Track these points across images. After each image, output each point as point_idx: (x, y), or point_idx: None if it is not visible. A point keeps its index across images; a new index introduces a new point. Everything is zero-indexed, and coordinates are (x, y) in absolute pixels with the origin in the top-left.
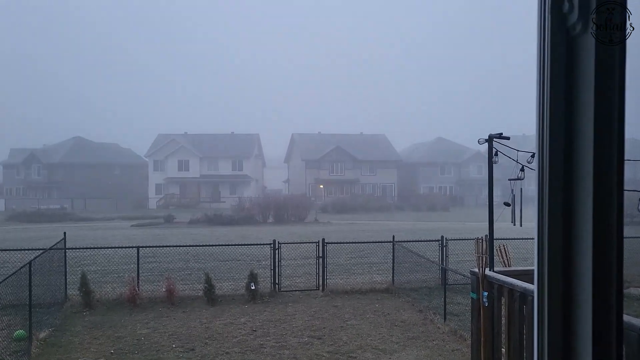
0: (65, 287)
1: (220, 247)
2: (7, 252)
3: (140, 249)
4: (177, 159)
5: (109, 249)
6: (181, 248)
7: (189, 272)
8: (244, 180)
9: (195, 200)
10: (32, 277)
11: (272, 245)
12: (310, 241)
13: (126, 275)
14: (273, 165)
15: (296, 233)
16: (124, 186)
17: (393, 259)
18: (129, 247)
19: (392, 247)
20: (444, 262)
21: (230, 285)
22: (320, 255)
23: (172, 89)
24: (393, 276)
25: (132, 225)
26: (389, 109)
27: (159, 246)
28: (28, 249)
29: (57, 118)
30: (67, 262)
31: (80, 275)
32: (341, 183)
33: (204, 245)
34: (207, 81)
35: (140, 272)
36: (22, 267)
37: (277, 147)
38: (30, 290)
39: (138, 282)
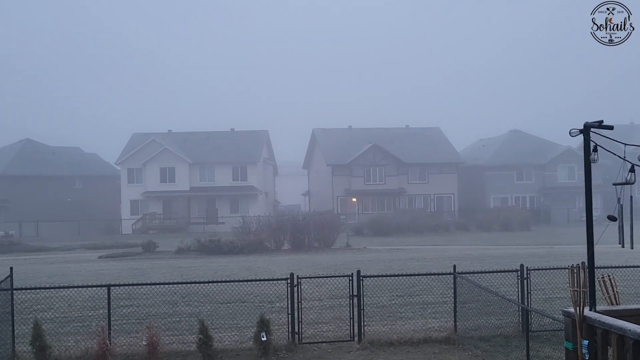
0: (13, 341)
1: (219, 284)
2: None
3: (112, 288)
4: (159, 167)
5: (71, 289)
6: (166, 286)
7: (178, 319)
8: (250, 193)
9: (184, 222)
10: None
11: (289, 281)
12: (341, 274)
13: (94, 324)
14: (288, 172)
15: (321, 264)
16: (88, 204)
17: (455, 297)
18: (97, 286)
19: (453, 280)
20: (526, 301)
21: (234, 335)
22: (355, 293)
23: (151, 76)
24: (455, 321)
25: (100, 257)
26: (443, 93)
27: (137, 284)
28: None
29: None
30: (14, 308)
31: (32, 325)
32: (381, 195)
33: (196, 282)
34: (197, 66)
35: (112, 319)
36: None
37: (293, 148)
38: None
39: (110, 333)
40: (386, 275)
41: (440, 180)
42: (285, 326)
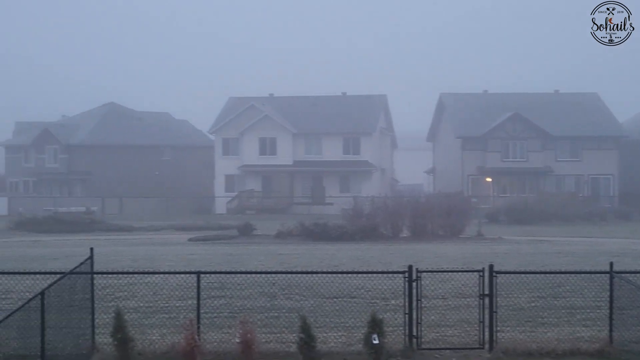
0: (93, 332)
1: (324, 275)
2: (11, 276)
3: (203, 275)
4: (259, 137)
5: (156, 275)
6: (264, 276)
7: (276, 314)
8: (363, 169)
9: (286, 201)
10: (46, 314)
11: (406, 275)
12: (470, 269)
13: (181, 316)
14: (409, 145)
15: (447, 255)
16: (178, 178)
17: (611, 301)
18: (185, 273)
19: (609, 280)
20: None
21: (340, 336)
22: (487, 292)
23: (250, 33)
24: (611, 330)
25: (190, 240)
26: (603, 50)
27: (231, 272)
28: (39, 273)
29: (80, 75)
30: (94, 294)
31: (114, 314)
32: (522, 174)
33: (299, 273)
34: (301, 20)
35: (202, 311)
36: (30, 300)
37: (415, 116)
38: (42, 335)
39: (199, 327)
40: (525, 272)
41: (596, 157)
42: (401, 328)
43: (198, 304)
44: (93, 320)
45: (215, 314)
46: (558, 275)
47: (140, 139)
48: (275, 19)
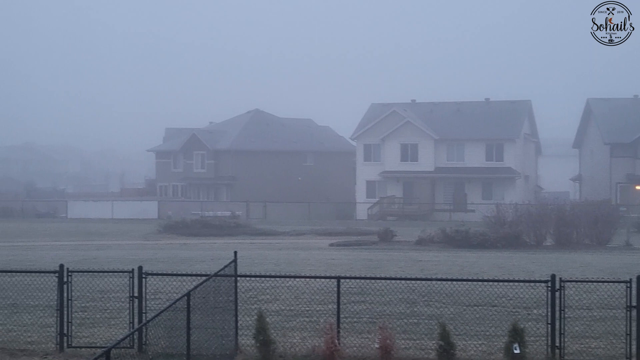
0: (236, 333)
1: (465, 283)
2: (160, 277)
3: (343, 280)
4: (400, 143)
5: (298, 279)
6: (404, 282)
7: (415, 321)
8: (506, 176)
9: (426, 208)
10: (191, 315)
11: (549, 284)
12: (616, 280)
13: (322, 320)
14: (554, 152)
15: (592, 265)
16: (319, 184)
17: None
18: (326, 278)
19: None
20: None
21: (480, 344)
22: (634, 304)
23: (388, 37)
24: None
25: (331, 245)
26: None
27: (371, 278)
28: (186, 275)
29: (227, 83)
30: (238, 296)
31: (256, 317)
32: None
33: (439, 280)
34: (441, 23)
35: (342, 315)
36: (177, 300)
37: (561, 122)
38: (188, 334)
39: (339, 332)
40: None
41: None
42: (543, 338)
43: (338, 308)
44: (236, 321)
45: (355, 319)
46: None
47: (283, 144)
48: (417, 27)
